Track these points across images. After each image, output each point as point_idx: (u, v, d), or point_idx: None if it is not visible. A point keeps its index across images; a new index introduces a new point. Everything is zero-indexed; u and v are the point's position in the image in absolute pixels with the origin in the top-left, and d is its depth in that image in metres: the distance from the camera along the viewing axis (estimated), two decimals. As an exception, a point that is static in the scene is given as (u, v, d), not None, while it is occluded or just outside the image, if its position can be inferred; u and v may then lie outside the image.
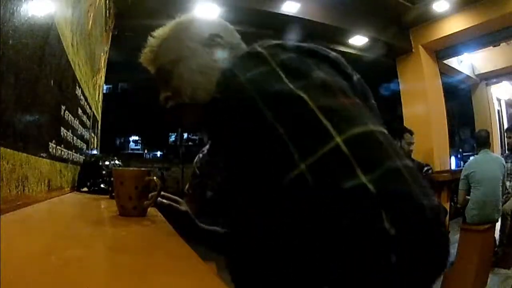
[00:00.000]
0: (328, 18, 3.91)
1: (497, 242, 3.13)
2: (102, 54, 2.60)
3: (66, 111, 1.22)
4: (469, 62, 5.64)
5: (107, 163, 1.35)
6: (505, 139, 3.95)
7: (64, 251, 0.42)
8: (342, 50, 4.13)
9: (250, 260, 0.51)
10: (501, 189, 2.92)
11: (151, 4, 3.71)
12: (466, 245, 2.60)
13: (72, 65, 1.29)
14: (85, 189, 1.37)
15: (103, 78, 2.81)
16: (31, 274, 0.33)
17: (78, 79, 1.45)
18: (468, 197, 2.93)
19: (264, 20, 3.95)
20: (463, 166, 3.62)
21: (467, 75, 5.59)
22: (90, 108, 1.92)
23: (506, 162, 3.12)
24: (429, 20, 4.28)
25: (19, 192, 0.75)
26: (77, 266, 0.37)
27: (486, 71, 5.65)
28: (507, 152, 3.83)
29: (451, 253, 0.44)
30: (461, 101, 6.55)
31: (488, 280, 2.73)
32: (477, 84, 5.86)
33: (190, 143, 9.26)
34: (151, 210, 0.77)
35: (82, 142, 1.64)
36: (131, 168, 0.75)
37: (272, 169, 0.44)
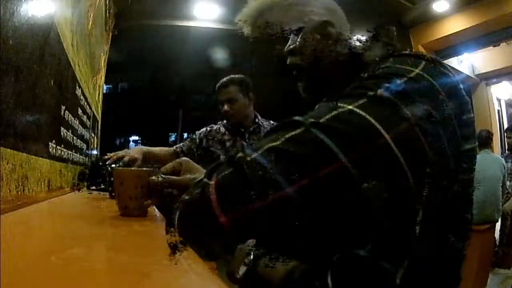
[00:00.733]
0: (328, 18, 3.90)
1: (497, 242, 3.12)
2: (102, 54, 2.60)
3: (66, 111, 1.22)
4: (469, 62, 5.63)
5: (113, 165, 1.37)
6: (505, 139, 3.94)
7: (64, 251, 0.42)
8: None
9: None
10: (501, 189, 2.92)
11: (151, 4, 3.71)
12: (466, 245, 2.59)
13: (72, 65, 1.29)
14: (93, 187, 1.50)
15: (103, 78, 2.81)
16: (31, 274, 0.33)
17: (78, 79, 1.45)
18: (468, 197, 2.92)
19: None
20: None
21: (467, 75, 5.59)
22: (90, 108, 1.92)
23: (506, 162, 3.12)
24: (429, 20, 4.27)
25: (19, 192, 0.75)
26: (77, 266, 0.37)
27: (486, 71, 5.65)
28: (507, 152, 3.83)
29: None
30: (461, 101, 6.53)
31: (488, 280, 2.73)
32: (477, 84, 5.86)
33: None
34: (151, 210, 0.77)
35: (82, 142, 1.64)
36: (133, 168, 0.74)
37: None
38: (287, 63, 0.64)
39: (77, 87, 1.45)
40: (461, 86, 0.46)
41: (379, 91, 0.39)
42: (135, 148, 1.67)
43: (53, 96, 1.03)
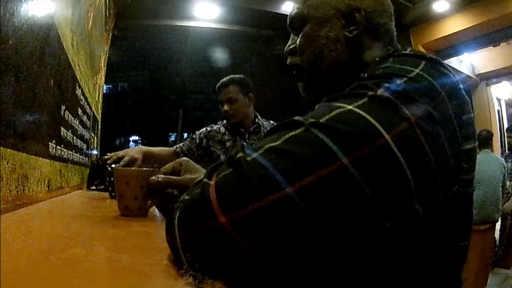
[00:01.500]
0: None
1: (497, 242, 3.13)
2: (102, 54, 2.60)
3: (66, 111, 1.22)
4: (469, 62, 5.64)
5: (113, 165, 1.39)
6: (505, 139, 3.95)
7: (64, 251, 0.42)
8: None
9: None
10: (501, 189, 2.92)
11: (151, 4, 3.72)
12: (466, 245, 2.60)
13: (72, 65, 1.29)
14: (93, 187, 1.53)
15: (103, 78, 2.81)
16: (31, 274, 0.33)
17: (78, 79, 1.45)
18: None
19: (264, 20, 3.96)
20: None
21: (467, 75, 5.59)
22: (90, 108, 1.92)
23: (506, 162, 3.12)
24: (429, 20, 4.28)
25: (19, 192, 0.75)
26: (77, 266, 0.37)
27: (486, 71, 5.66)
28: (507, 152, 3.83)
29: None
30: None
31: (488, 280, 2.73)
32: (477, 84, 5.87)
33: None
34: (151, 210, 0.77)
35: (82, 142, 1.64)
36: (138, 169, 0.74)
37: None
38: (287, 63, 0.63)
39: (77, 87, 1.45)
40: (461, 86, 0.46)
41: (379, 91, 0.39)
42: (134, 148, 1.68)
43: (53, 96, 1.03)
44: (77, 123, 1.48)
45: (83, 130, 1.67)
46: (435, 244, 0.43)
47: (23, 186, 0.77)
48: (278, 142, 0.36)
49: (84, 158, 1.71)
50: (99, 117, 2.49)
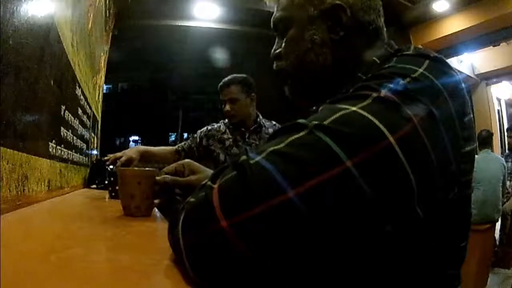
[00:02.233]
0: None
1: (497, 242, 3.13)
2: (102, 54, 2.60)
3: (66, 111, 1.22)
4: (469, 62, 5.64)
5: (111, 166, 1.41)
6: (506, 138, 3.95)
7: (64, 251, 0.42)
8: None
9: None
10: (501, 189, 2.92)
11: (151, 4, 3.72)
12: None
13: (72, 65, 1.29)
14: (94, 186, 1.57)
15: (103, 78, 2.81)
16: (31, 274, 0.33)
17: (78, 79, 1.45)
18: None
19: (264, 20, 3.96)
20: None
21: (467, 75, 5.59)
22: (90, 108, 1.92)
23: (506, 162, 3.12)
24: (429, 20, 4.28)
25: (19, 192, 0.75)
26: (77, 266, 0.37)
27: (486, 71, 5.66)
28: (507, 151, 3.83)
29: None
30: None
31: (488, 280, 2.73)
32: (477, 84, 5.87)
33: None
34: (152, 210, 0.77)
35: (82, 142, 1.64)
36: (146, 169, 0.74)
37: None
38: (274, 67, 0.62)
39: (77, 87, 1.45)
40: (463, 85, 0.46)
41: (383, 92, 0.38)
42: (132, 148, 1.71)
43: (53, 96, 1.03)
44: (77, 123, 1.48)
45: (83, 130, 1.67)
46: (434, 246, 0.43)
47: (23, 186, 0.77)
48: (281, 145, 0.36)
49: (84, 158, 1.71)
50: (99, 117, 2.49)
